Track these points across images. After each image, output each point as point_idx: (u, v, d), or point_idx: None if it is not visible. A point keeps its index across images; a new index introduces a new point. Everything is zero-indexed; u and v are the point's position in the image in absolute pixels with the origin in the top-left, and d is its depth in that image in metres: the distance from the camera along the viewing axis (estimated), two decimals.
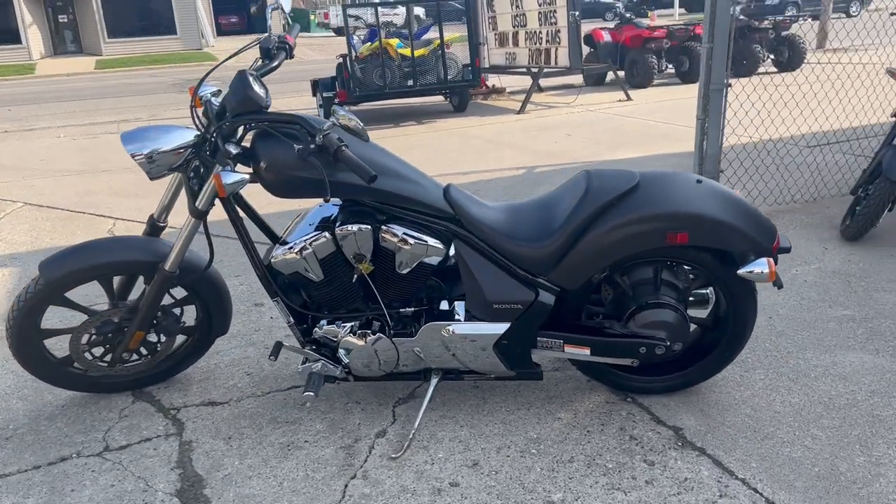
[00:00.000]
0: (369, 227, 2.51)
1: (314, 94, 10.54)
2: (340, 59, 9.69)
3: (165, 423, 2.83)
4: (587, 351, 2.62)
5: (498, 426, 2.69)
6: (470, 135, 8.66)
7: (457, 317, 2.65)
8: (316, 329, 2.69)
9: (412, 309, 2.68)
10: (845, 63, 12.11)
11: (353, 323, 2.67)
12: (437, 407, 2.83)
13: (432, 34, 10.14)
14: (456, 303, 2.70)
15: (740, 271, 2.42)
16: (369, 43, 9.95)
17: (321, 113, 10.04)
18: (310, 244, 2.53)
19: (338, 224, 2.53)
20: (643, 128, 8.42)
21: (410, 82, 9.75)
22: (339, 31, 31.65)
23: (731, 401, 2.76)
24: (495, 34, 11.76)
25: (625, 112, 9.62)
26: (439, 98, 11.27)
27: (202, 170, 2.60)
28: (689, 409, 2.72)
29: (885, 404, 2.69)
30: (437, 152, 7.73)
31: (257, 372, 3.19)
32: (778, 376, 2.91)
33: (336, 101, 9.71)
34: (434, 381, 2.70)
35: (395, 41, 9.78)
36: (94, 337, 2.82)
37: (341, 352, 2.67)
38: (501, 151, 7.53)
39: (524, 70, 10.73)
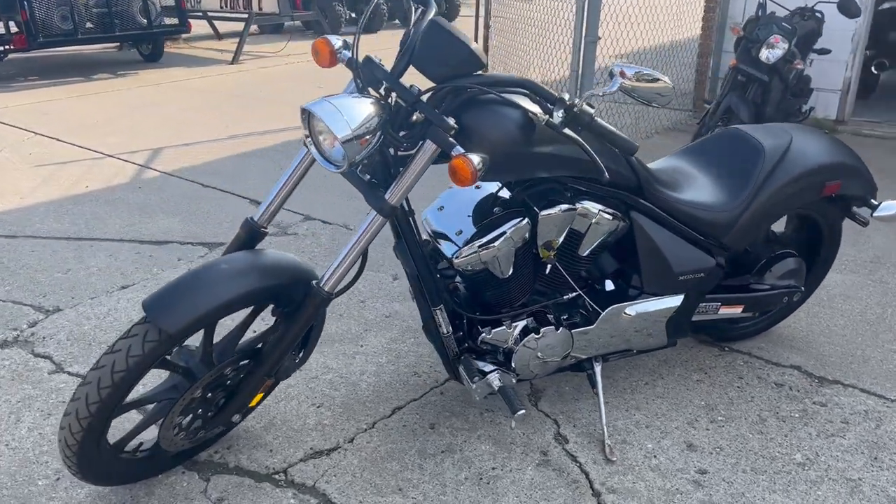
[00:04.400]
0: (574, 207, 2.15)
1: None
2: None
3: (291, 493, 2.13)
4: (740, 309, 2.63)
5: (659, 402, 2.57)
6: (202, 89, 7.66)
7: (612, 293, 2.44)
8: (483, 334, 2.25)
9: (573, 294, 2.39)
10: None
11: (525, 321, 2.29)
12: (575, 396, 2.59)
13: None
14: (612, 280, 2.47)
15: (876, 214, 2.63)
16: None
17: None
18: (510, 234, 2.09)
19: (540, 207, 2.12)
20: None
21: (91, 25, 8.18)
22: None
23: (802, 333, 3.02)
24: None
25: None
26: (109, 45, 9.71)
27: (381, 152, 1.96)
28: (782, 347, 2.92)
29: None
30: (192, 111, 6.69)
31: (326, 402, 2.55)
32: (804, 304, 3.25)
33: (7, 47, 7.75)
34: (598, 368, 2.46)
35: None
36: (196, 402, 1.97)
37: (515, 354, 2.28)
38: (273, 108, 6.83)
39: (232, 16, 9.75)
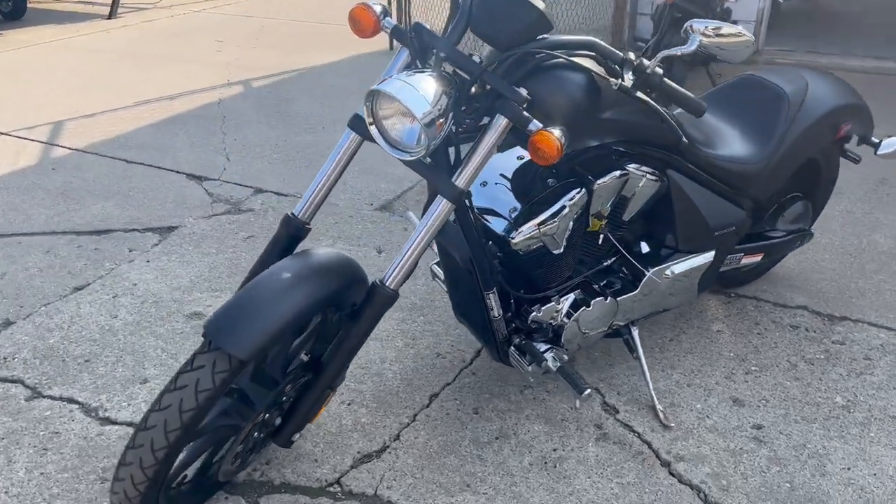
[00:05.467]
0: (626, 172, 2.05)
1: None
2: None
3: None
4: (760, 257, 2.63)
5: (690, 358, 2.56)
6: (86, 49, 6.94)
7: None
8: (533, 313, 2.13)
9: (610, 262, 2.30)
10: None
11: (573, 294, 2.19)
12: (608, 362, 2.54)
13: None
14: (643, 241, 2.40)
15: (880, 152, 2.66)
16: None
17: None
18: (570, 207, 1.96)
19: (594, 175, 2.00)
20: (289, 28, 7.85)
21: None
22: None
23: (794, 272, 3.07)
24: None
25: (238, 11, 8.76)
26: None
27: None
28: (782, 287, 2.96)
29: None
30: (83, 76, 6.04)
31: (356, 398, 2.37)
32: None
33: None
34: (636, 332, 2.40)
35: None
36: (254, 426, 1.76)
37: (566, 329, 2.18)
38: (174, 68, 6.27)
39: None
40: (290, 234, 1.84)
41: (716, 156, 2.28)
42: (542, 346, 2.14)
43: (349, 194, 3.82)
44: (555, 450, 2.16)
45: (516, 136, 1.78)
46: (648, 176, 2.11)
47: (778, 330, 2.69)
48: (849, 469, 2.08)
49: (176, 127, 4.85)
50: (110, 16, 8.45)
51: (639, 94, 1.77)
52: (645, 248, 2.35)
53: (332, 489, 2.02)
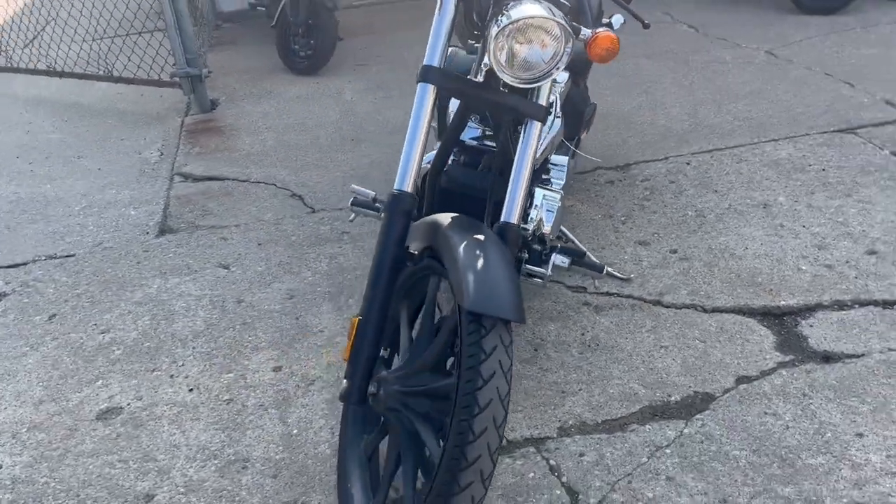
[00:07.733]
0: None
1: None
2: None
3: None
4: (586, 132, 3.12)
5: (578, 231, 2.95)
6: None
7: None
8: (532, 224, 2.31)
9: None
10: None
11: (539, 196, 2.40)
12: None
13: None
14: None
15: (616, 30, 3.28)
16: None
17: None
18: (559, 108, 2.18)
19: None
20: None
21: None
22: None
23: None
24: None
25: None
26: None
27: None
28: None
29: None
30: None
31: None
32: None
33: None
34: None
35: None
36: None
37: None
38: None
39: None
40: (405, 211, 1.67)
41: None
42: (546, 250, 2.30)
43: (110, 234, 3.23)
44: (582, 334, 2.39)
45: None
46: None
47: (606, 188, 3.24)
48: (746, 248, 2.74)
49: None
50: None
51: None
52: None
53: None
